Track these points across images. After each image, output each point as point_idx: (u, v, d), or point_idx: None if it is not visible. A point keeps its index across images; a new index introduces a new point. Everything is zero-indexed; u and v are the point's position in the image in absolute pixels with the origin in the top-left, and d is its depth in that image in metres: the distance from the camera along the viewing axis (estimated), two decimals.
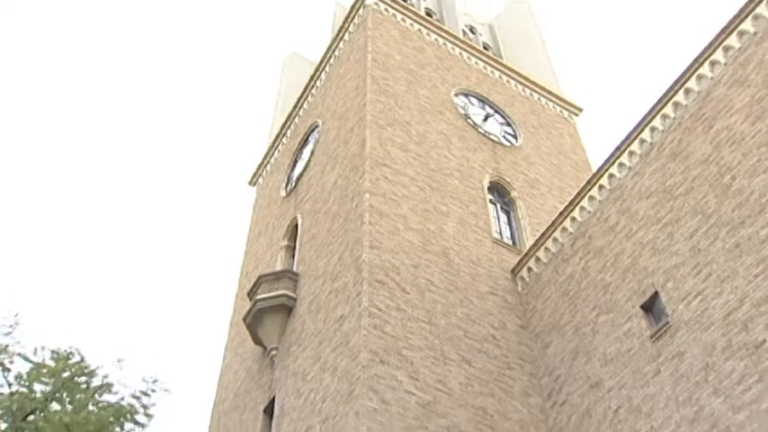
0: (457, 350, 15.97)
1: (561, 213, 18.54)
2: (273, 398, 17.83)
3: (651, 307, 14.55)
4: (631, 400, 13.75)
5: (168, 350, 61.10)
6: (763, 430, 11.03)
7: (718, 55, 15.63)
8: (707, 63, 15.83)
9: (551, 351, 16.63)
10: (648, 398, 13.38)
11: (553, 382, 16.08)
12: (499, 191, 22.52)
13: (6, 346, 18.96)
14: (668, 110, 16.46)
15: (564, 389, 15.64)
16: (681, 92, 16.25)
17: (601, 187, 17.58)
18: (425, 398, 14.43)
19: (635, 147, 16.96)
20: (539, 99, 28.92)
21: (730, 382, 11.89)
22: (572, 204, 18.24)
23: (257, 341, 19.80)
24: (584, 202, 17.89)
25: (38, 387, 18.99)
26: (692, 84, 16.07)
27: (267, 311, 19.45)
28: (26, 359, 19.13)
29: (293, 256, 22.30)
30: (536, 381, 16.51)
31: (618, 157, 17.29)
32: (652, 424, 13.03)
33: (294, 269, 21.03)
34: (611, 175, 17.42)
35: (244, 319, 20.10)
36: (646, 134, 16.81)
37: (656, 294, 14.41)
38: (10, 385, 18.73)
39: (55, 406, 18.74)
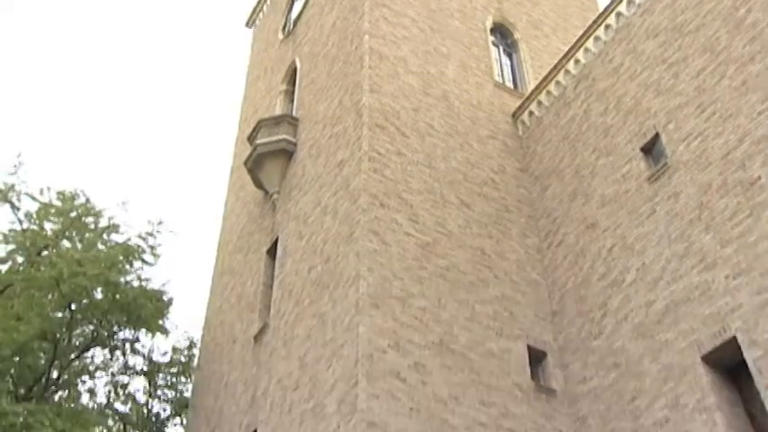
0: (456, 193, 16.17)
1: (565, 55, 18.10)
2: (276, 240, 18.28)
3: (651, 149, 14.55)
4: (625, 238, 14.09)
5: (171, 194, 62.07)
6: (748, 261, 11.42)
7: None
8: None
9: (550, 194, 16.84)
10: (642, 236, 13.71)
11: (551, 223, 16.41)
12: (502, 32, 21.88)
13: (13, 185, 19.43)
14: None
15: (561, 230, 15.99)
16: None
17: (607, 27, 17.04)
18: (425, 239, 14.77)
19: None
20: None
21: (722, 218, 12.14)
22: (576, 46, 17.77)
23: (258, 185, 20.03)
24: (589, 43, 17.41)
25: (48, 226, 19.67)
26: None
27: (267, 156, 19.53)
28: (33, 198, 19.67)
29: (292, 101, 22.07)
30: (533, 222, 16.85)
31: None
32: (643, 260, 13.44)
33: (293, 114, 20.88)
34: (618, 14, 16.81)
35: (245, 164, 20.22)
36: None
37: (656, 136, 14.37)
38: (21, 222, 19.41)
39: (66, 244, 19.50)
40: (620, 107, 15.60)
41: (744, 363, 11.02)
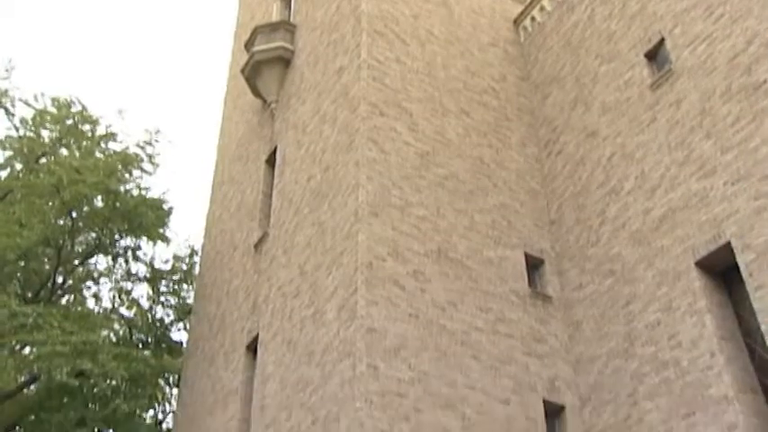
0: (456, 102, 16.01)
1: None
2: (275, 149, 18.22)
3: (655, 55, 14.28)
4: (625, 147, 14.03)
5: (168, 103, 61.39)
6: (747, 167, 11.41)
7: None
8: None
9: (550, 102, 16.67)
10: (642, 144, 13.65)
11: (551, 132, 16.32)
12: None
13: (6, 90, 19.23)
14: None
15: (561, 138, 15.92)
16: None
17: None
18: (424, 148, 14.73)
19: None
20: None
21: (724, 125, 12.05)
22: None
23: (256, 93, 19.79)
24: None
25: (44, 133, 19.61)
26: None
27: (265, 63, 19.21)
28: (27, 104, 19.51)
29: (289, 7, 21.52)
30: (533, 131, 16.75)
31: None
32: (643, 168, 13.43)
33: (291, 20, 20.40)
34: None
35: (242, 72, 19.91)
36: None
37: (661, 41, 14.08)
38: (17, 129, 19.34)
39: (63, 151, 19.51)
40: (625, 11, 15.23)
41: (736, 267, 11.20)
